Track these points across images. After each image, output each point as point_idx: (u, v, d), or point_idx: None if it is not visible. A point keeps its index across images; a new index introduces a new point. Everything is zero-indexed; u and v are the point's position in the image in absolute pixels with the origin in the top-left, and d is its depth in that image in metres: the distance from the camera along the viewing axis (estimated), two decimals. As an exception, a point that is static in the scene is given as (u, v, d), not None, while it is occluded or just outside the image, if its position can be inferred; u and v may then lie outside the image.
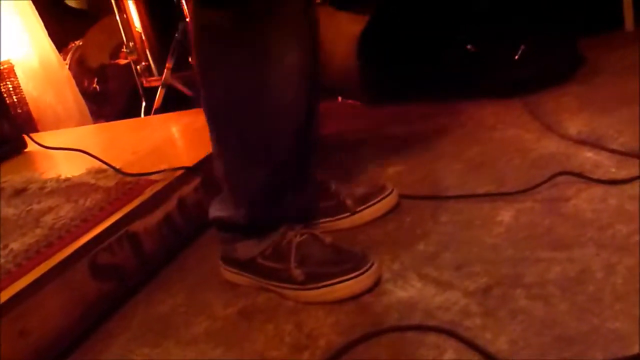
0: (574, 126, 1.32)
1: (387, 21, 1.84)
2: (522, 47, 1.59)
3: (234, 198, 0.98)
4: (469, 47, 1.66)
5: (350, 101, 1.98)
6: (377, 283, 0.90)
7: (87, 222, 1.08)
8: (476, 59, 1.64)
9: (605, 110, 1.37)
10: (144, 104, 2.27)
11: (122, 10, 2.16)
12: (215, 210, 1.01)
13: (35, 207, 1.22)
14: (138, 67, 2.20)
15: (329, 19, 1.98)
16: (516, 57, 1.59)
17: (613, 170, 1.09)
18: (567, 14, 1.72)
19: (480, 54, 1.64)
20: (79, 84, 2.43)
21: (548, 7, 1.71)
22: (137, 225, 1.10)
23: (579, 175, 1.08)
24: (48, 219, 1.13)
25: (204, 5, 0.86)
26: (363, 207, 1.11)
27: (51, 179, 1.36)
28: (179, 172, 1.24)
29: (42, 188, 1.33)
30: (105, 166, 1.34)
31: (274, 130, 0.92)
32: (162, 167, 1.27)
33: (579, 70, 1.66)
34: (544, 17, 1.68)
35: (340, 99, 2.00)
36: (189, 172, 1.25)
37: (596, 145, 1.20)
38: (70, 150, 1.44)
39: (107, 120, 2.37)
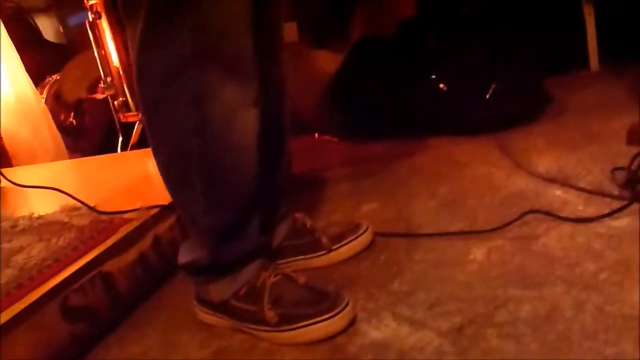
0: (543, 164, 1.36)
1: (362, 60, 1.89)
2: (493, 86, 1.64)
3: (194, 239, 0.97)
4: (441, 86, 1.71)
5: (326, 137, 2.00)
6: (352, 323, 0.90)
7: (60, 262, 1.07)
8: (448, 98, 1.69)
9: (572, 148, 1.41)
10: (120, 139, 2.26)
11: (100, 45, 2.16)
12: (182, 257, 1.00)
13: (6, 246, 1.19)
14: (115, 102, 2.19)
15: (306, 57, 2.03)
16: (487, 96, 1.64)
17: (581, 208, 1.12)
18: (535, 55, 1.79)
19: (452, 93, 1.69)
20: (56, 118, 2.40)
21: (517, 48, 1.78)
22: (111, 265, 1.09)
23: (548, 213, 1.10)
24: (19, 258, 1.11)
25: (144, 46, 0.83)
26: (338, 245, 1.11)
27: (23, 217, 1.34)
28: (155, 211, 1.24)
29: (13, 226, 1.30)
30: (79, 204, 1.33)
31: (220, 171, 0.89)
32: (138, 204, 1.26)
33: (547, 109, 1.72)
34: (513, 58, 1.74)
35: (316, 135, 2.03)
36: (165, 210, 1.25)
37: (564, 183, 1.23)
38: (43, 188, 1.43)
39: (84, 155, 2.35)
